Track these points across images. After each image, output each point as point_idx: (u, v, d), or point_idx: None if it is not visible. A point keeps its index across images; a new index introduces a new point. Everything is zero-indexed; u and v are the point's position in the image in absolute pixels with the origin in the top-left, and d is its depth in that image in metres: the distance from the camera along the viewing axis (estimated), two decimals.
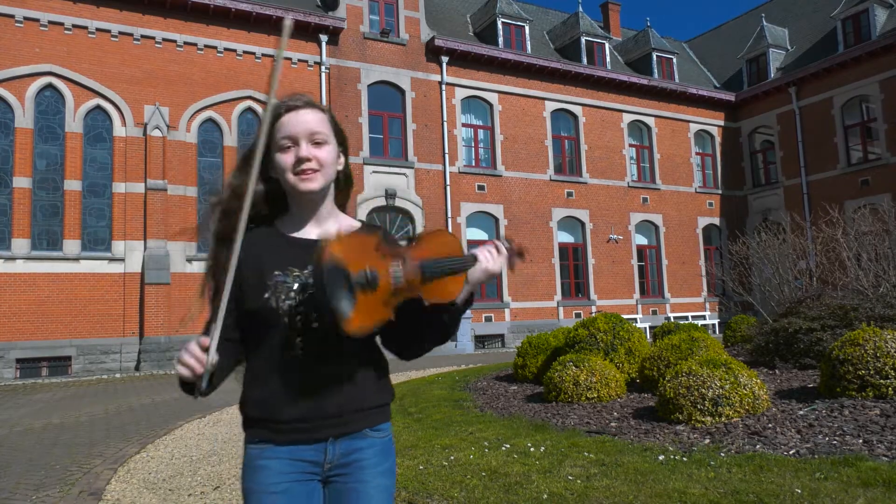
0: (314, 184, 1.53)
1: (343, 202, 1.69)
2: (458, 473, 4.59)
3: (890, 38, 21.76)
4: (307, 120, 1.53)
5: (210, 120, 17.82)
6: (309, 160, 1.51)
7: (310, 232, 1.58)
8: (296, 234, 1.58)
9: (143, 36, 17.13)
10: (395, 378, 10.66)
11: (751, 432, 5.02)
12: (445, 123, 20.87)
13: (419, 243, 1.46)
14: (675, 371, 5.85)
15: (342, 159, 1.62)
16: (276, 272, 1.51)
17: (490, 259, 1.51)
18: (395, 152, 20.33)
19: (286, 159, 1.53)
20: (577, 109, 23.58)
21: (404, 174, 20.11)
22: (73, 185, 16.04)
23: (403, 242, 1.51)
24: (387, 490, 1.53)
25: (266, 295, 1.51)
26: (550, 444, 5.28)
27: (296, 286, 1.49)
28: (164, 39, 17.36)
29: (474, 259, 1.49)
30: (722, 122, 26.92)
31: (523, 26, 23.44)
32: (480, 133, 22.00)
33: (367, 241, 1.41)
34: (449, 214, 20.45)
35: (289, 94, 1.60)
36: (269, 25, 18.52)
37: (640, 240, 24.51)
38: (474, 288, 1.52)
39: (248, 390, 1.56)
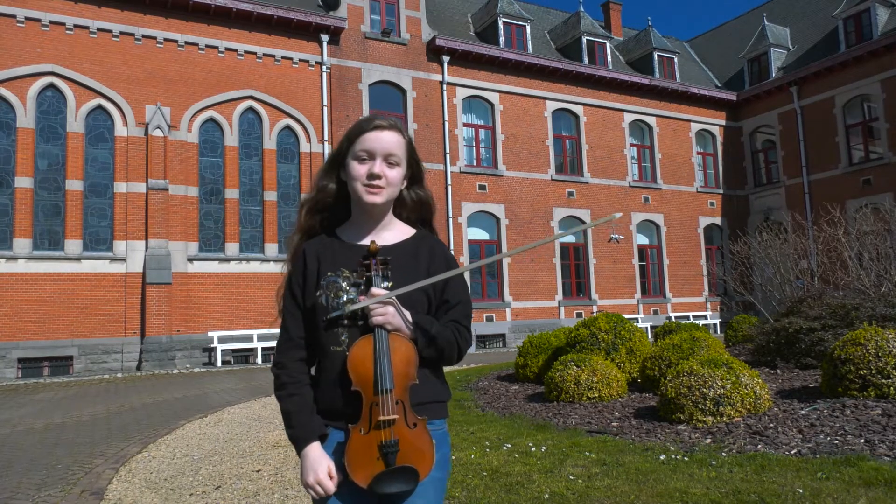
0: (378, 198, 1.68)
1: (420, 220, 1.84)
2: (459, 473, 4.59)
3: (891, 38, 21.73)
4: (388, 141, 1.69)
5: (211, 120, 17.82)
6: (379, 177, 1.67)
7: (366, 239, 1.73)
8: (353, 241, 1.74)
9: (144, 36, 17.14)
10: None
11: (752, 432, 5.02)
12: (446, 123, 20.87)
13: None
14: (677, 371, 5.85)
15: (405, 184, 1.77)
16: (329, 273, 1.68)
17: (381, 318, 1.59)
18: None
19: (360, 169, 1.68)
20: (578, 109, 23.57)
21: None
22: (74, 184, 16.06)
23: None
24: (437, 481, 1.63)
25: (318, 293, 1.67)
26: (552, 443, 5.28)
27: (344, 284, 1.66)
28: (165, 39, 17.37)
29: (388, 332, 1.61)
30: (723, 122, 26.90)
31: (524, 26, 23.43)
32: (481, 133, 21.99)
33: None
34: (450, 214, 20.44)
35: (381, 113, 1.73)
36: (270, 25, 18.53)
37: (642, 239, 24.49)
38: (414, 337, 1.62)
39: (314, 384, 1.71)
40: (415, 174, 1.79)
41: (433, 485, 1.62)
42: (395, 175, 1.69)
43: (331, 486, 1.58)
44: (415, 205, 1.81)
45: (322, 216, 1.79)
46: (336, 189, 1.77)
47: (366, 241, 1.71)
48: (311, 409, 1.66)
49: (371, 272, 1.65)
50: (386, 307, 1.58)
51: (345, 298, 1.65)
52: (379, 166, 1.66)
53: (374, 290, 1.60)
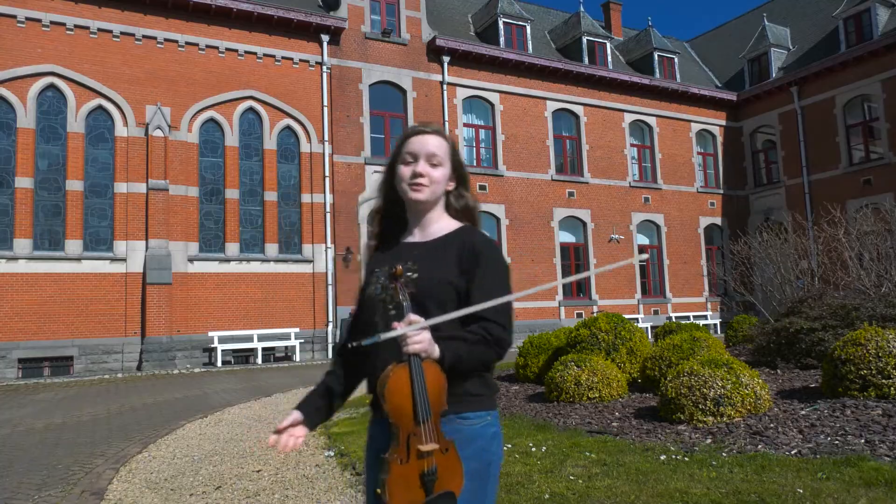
0: (421, 195, 1.80)
1: (467, 222, 1.91)
2: None
3: (891, 38, 21.72)
4: (430, 143, 1.83)
5: (211, 120, 17.83)
6: (422, 175, 1.80)
7: (416, 235, 1.87)
8: (405, 239, 1.88)
9: (144, 36, 17.14)
10: None
11: (752, 432, 5.02)
12: (447, 123, 20.86)
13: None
14: (677, 371, 5.85)
15: (452, 185, 1.89)
16: (376, 269, 1.82)
17: (418, 346, 1.58)
18: None
19: (405, 171, 1.82)
20: (578, 109, 23.57)
21: None
22: (74, 185, 16.06)
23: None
24: (466, 474, 1.65)
25: (369, 287, 1.83)
26: (552, 443, 5.28)
27: (382, 278, 1.76)
28: (165, 39, 17.37)
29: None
30: (723, 122, 26.89)
31: (524, 26, 23.43)
32: (482, 133, 21.99)
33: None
34: None
35: (424, 122, 1.97)
36: (271, 25, 18.53)
37: (642, 239, 24.49)
38: (439, 357, 1.62)
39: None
40: (460, 176, 1.90)
41: (466, 476, 1.66)
42: (437, 174, 1.82)
43: (283, 441, 1.72)
44: (459, 213, 1.90)
45: (388, 220, 1.93)
46: (395, 194, 1.89)
47: (416, 239, 1.85)
48: (317, 393, 1.86)
49: (400, 297, 1.67)
50: (423, 334, 1.57)
51: (379, 290, 1.76)
52: (422, 166, 1.80)
53: (410, 316, 1.59)
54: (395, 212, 1.92)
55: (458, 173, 1.89)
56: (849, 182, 23.14)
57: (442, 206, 1.88)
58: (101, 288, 15.93)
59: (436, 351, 1.60)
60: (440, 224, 1.86)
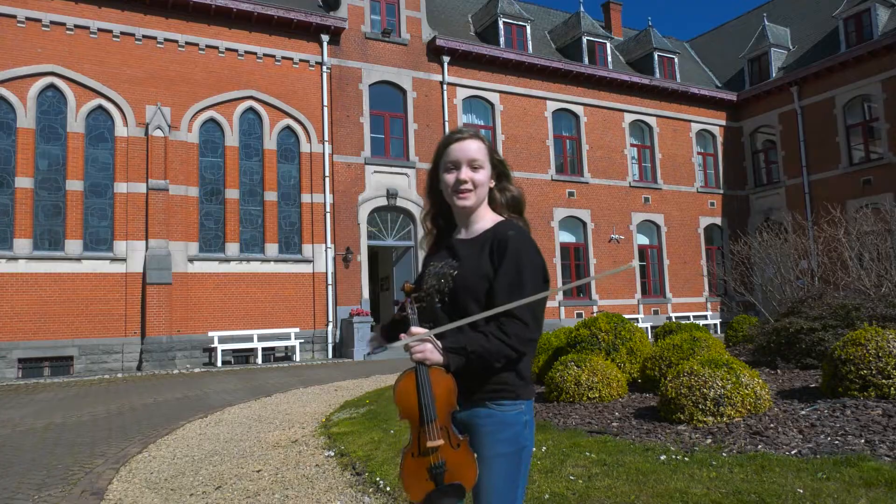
0: (468, 202, 1.96)
1: (513, 214, 2.06)
2: None
3: (892, 38, 21.72)
4: (469, 148, 1.96)
5: (212, 120, 17.82)
6: (465, 182, 1.94)
7: (462, 233, 2.02)
8: (456, 236, 2.04)
9: (144, 36, 17.14)
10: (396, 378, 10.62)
11: (752, 432, 5.02)
12: (447, 123, 20.86)
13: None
14: (677, 371, 5.85)
15: (492, 182, 2.02)
16: (431, 264, 2.03)
17: (420, 355, 1.79)
18: (397, 152, 20.33)
19: (450, 179, 1.97)
20: (578, 109, 23.57)
21: (406, 174, 20.12)
22: (74, 185, 16.06)
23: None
24: (502, 456, 1.85)
25: (421, 279, 2.04)
26: (552, 443, 5.28)
27: (432, 271, 1.98)
28: (165, 39, 17.37)
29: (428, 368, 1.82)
30: (724, 122, 26.89)
31: (525, 26, 23.42)
32: (482, 133, 21.95)
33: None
34: None
35: (458, 128, 2.07)
36: (271, 25, 18.53)
37: (642, 240, 24.49)
38: (447, 363, 1.80)
39: None
40: (500, 172, 2.03)
41: (497, 461, 1.84)
42: (479, 177, 1.96)
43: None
44: (507, 204, 2.04)
45: (438, 222, 2.11)
46: (441, 198, 2.05)
47: (462, 236, 2.01)
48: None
49: (407, 311, 1.93)
50: (424, 345, 1.77)
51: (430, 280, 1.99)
52: (465, 173, 1.94)
53: (413, 328, 1.81)
54: (443, 212, 2.09)
55: (499, 170, 2.02)
56: (849, 182, 23.13)
57: (485, 203, 2.00)
58: (101, 288, 15.92)
59: (438, 358, 1.77)
60: (483, 222, 1.99)
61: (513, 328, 1.79)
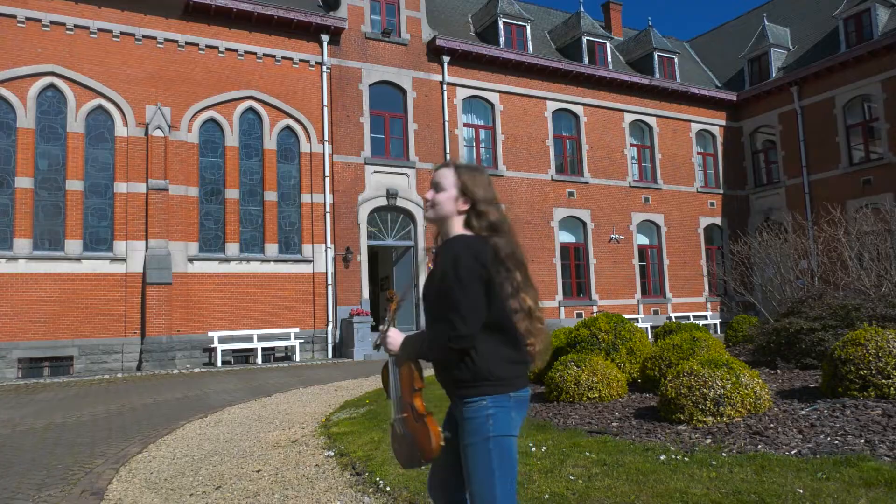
0: (427, 214, 2.38)
1: (490, 233, 2.31)
2: None
3: (892, 38, 21.72)
4: (438, 174, 2.37)
5: (211, 120, 17.82)
6: (427, 200, 2.36)
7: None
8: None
9: (144, 36, 17.14)
10: None
11: (752, 432, 5.02)
12: (447, 123, 20.87)
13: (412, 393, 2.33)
14: (677, 371, 5.85)
15: (466, 206, 2.30)
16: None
17: (384, 342, 2.32)
18: (397, 152, 20.33)
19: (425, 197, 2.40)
20: (578, 109, 23.57)
21: (405, 174, 20.11)
22: (74, 185, 16.06)
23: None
24: (471, 445, 2.15)
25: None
26: (552, 443, 5.28)
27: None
28: (165, 39, 17.37)
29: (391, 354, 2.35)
30: (723, 122, 26.89)
31: (524, 26, 23.42)
32: (482, 133, 21.99)
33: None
34: None
35: (451, 159, 2.49)
36: (271, 25, 18.53)
37: (642, 239, 24.48)
38: (397, 349, 2.31)
39: None
40: (470, 199, 2.28)
41: (468, 449, 2.15)
42: (438, 197, 2.32)
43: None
44: (486, 228, 2.28)
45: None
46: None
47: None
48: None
49: (388, 313, 2.39)
50: (388, 337, 2.29)
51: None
52: (429, 193, 2.36)
53: (381, 326, 2.38)
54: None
55: (466, 196, 2.29)
56: (849, 182, 23.13)
57: (458, 222, 2.32)
58: (100, 288, 15.92)
59: (393, 348, 2.28)
60: (447, 238, 2.31)
61: (433, 332, 2.16)
